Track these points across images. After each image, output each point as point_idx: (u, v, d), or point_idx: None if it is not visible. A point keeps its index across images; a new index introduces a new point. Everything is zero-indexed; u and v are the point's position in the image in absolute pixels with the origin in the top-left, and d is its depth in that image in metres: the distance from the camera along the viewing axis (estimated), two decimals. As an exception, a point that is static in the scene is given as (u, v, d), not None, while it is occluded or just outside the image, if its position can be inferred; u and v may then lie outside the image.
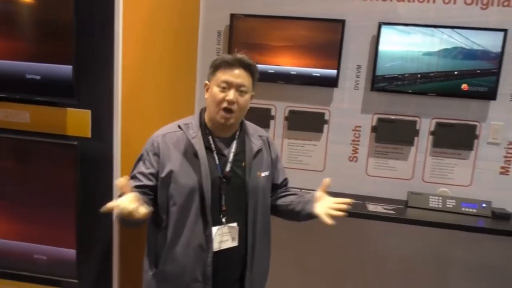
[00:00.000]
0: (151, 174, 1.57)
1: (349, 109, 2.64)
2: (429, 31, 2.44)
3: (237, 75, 1.54)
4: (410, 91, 2.51)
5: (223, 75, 1.54)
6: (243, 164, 1.61)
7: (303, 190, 2.61)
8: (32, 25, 1.65)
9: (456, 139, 2.56)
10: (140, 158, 1.61)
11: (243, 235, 1.60)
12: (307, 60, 2.58)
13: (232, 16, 2.61)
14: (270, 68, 2.61)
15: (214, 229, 1.54)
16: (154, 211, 1.57)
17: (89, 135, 1.75)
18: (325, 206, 1.57)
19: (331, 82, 2.58)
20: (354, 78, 2.61)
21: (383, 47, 2.48)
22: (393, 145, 2.64)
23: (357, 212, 2.42)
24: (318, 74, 2.58)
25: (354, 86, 2.62)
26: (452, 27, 2.42)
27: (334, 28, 2.53)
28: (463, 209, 2.48)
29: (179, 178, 1.53)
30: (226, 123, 1.55)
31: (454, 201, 2.51)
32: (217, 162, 1.57)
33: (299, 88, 2.65)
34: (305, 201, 1.68)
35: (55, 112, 1.75)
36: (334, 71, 2.56)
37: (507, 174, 2.55)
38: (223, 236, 1.56)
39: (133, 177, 1.59)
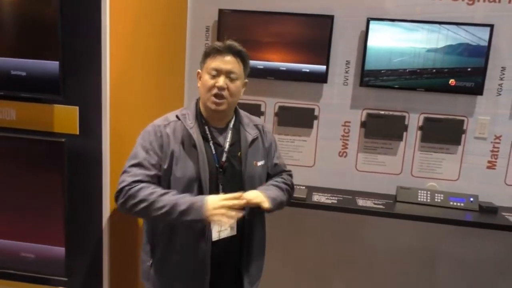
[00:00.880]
0: (156, 163, 1.55)
1: (339, 104, 2.66)
2: (416, 27, 2.45)
3: (227, 62, 1.54)
4: (398, 86, 2.52)
5: (213, 62, 1.54)
6: (239, 154, 1.61)
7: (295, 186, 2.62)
8: (17, 21, 1.62)
9: (444, 134, 2.58)
10: (141, 146, 1.56)
11: (240, 225, 1.61)
12: (296, 56, 2.58)
13: (221, 11, 2.60)
14: (260, 64, 2.60)
15: None
16: None
17: (77, 132, 1.73)
18: None
19: (320, 78, 2.59)
20: (343, 73, 2.62)
21: (371, 42, 2.49)
22: (382, 140, 2.66)
23: (347, 207, 2.44)
24: (308, 70, 2.58)
25: (343, 81, 2.62)
26: (439, 23, 2.44)
27: (323, 24, 2.53)
28: (451, 203, 2.51)
29: (178, 168, 1.53)
30: (218, 109, 1.55)
31: (442, 195, 2.53)
32: (214, 152, 1.58)
33: (289, 84, 2.65)
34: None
35: (42, 109, 1.72)
36: (323, 67, 2.56)
37: (494, 169, 2.58)
38: (221, 225, 1.57)
39: (138, 165, 1.54)
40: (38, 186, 1.73)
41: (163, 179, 1.57)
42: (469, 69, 2.45)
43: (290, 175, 1.84)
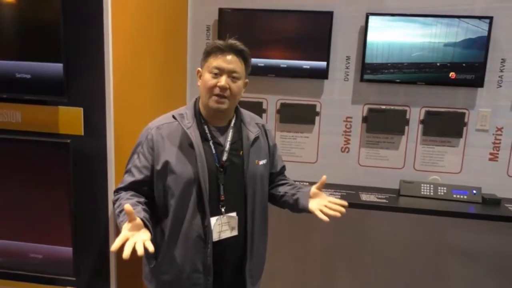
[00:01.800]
0: (145, 167, 1.56)
1: (340, 100, 2.67)
2: (416, 21, 2.46)
3: (229, 61, 1.52)
4: (399, 80, 2.53)
5: (215, 61, 1.52)
6: (241, 152, 1.60)
7: (296, 182, 2.63)
8: (20, 24, 1.64)
9: (445, 127, 2.59)
10: (134, 151, 1.61)
11: (242, 224, 1.60)
12: (296, 52, 2.60)
13: (221, 10, 2.61)
14: (260, 61, 2.62)
15: (213, 220, 1.54)
16: (152, 204, 1.58)
17: (82, 133, 1.75)
18: (321, 204, 1.58)
19: (321, 74, 2.60)
20: (343, 69, 2.63)
21: (371, 37, 2.50)
22: (384, 134, 2.67)
23: (351, 202, 2.44)
24: (308, 67, 2.60)
25: (344, 77, 2.64)
26: (438, 16, 2.44)
27: (322, 20, 2.54)
28: (454, 196, 2.52)
29: (176, 169, 1.52)
30: (219, 108, 1.53)
31: (445, 188, 2.55)
32: (214, 152, 1.56)
33: (290, 81, 2.66)
34: (300, 195, 1.67)
35: (47, 111, 1.75)
36: (324, 63, 2.58)
37: (496, 160, 2.59)
38: (222, 226, 1.56)
39: (128, 171, 1.60)
40: (45, 187, 1.75)
41: (158, 180, 1.56)
42: (469, 62, 2.45)
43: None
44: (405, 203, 2.47)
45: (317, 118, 2.71)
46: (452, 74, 2.48)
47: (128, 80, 1.88)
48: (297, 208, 1.66)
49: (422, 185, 2.57)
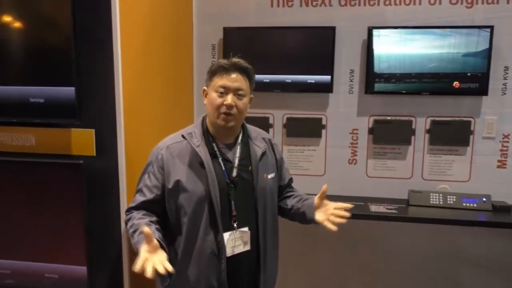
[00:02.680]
0: (155, 186, 1.58)
1: (345, 112, 2.70)
2: (417, 33, 2.50)
3: (234, 79, 1.55)
4: (404, 91, 2.56)
5: (220, 80, 1.55)
6: (250, 168, 1.62)
7: (305, 194, 2.65)
8: (33, 50, 1.71)
9: (452, 136, 2.61)
10: (144, 171, 1.63)
11: (254, 238, 1.62)
12: (301, 67, 2.64)
13: (225, 29, 2.68)
14: (266, 77, 2.66)
15: (226, 235, 1.56)
16: (165, 222, 1.61)
17: (94, 153, 1.79)
18: (327, 213, 1.61)
19: (326, 88, 2.64)
20: (348, 82, 2.66)
21: (374, 50, 2.54)
22: (390, 145, 2.69)
23: (360, 213, 2.46)
24: (313, 81, 2.64)
25: (349, 90, 2.67)
26: (439, 27, 2.48)
27: (325, 35, 2.59)
28: (464, 204, 2.52)
29: (187, 187, 1.54)
30: (227, 126, 1.57)
31: (454, 197, 2.55)
32: (223, 168, 1.58)
33: (295, 96, 2.71)
34: (305, 208, 1.69)
35: (60, 133, 1.80)
36: (328, 77, 2.62)
37: (505, 167, 2.59)
38: (235, 241, 1.58)
39: (139, 191, 1.62)
40: (59, 207, 1.79)
41: (170, 198, 1.58)
42: (472, 71, 2.47)
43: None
44: (414, 213, 2.48)
45: (323, 131, 2.74)
46: (456, 83, 2.50)
47: (137, 101, 1.93)
48: (306, 220, 1.69)
49: (431, 194, 2.57)
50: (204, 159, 1.55)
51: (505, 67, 2.49)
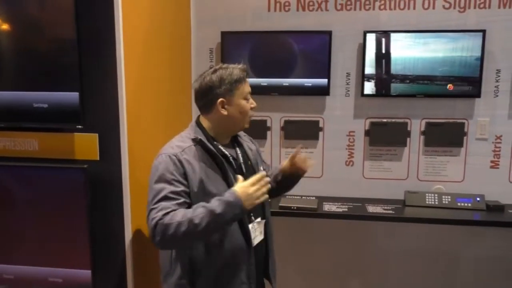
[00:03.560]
0: (184, 191, 1.53)
1: (342, 115, 2.74)
2: (411, 37, 2.56)
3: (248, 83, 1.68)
4: (399, 94, 2.61)
5: (246, 87, 1.65)
6: (249, 162, 1.73)
7: (303, 197, 2.70)
8: (37, 56, 1.72)
9: (446, 137, 2.66)
10: (162, 181, 1.52)
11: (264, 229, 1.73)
12: (298, 71, 2.68)
13: (223, 33, 2.71)
14: (263, 81, 2.70)
15: (249, 227, 1.64)
16: None
17: (97, 158, 1.81)
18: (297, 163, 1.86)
19: (322, 91, 2.68)
20: (344, 85, 2.71)
21: (369, 53, 2.59)
22: (386, 147, 2.74)
23: (358, 214, 2.51)
24: (310, 84, 2.68)
25: (345, 93, 2.72)
26: (432, 31, 2.54)
27: (322, 39, 2.63)
28: (459, 204, 2.57)
29: (211, 189, 1.55)
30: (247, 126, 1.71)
31: (449, 197, 2.60)
32: (235, 166, 1.67)
33: (293, 99, 2.74)
34: (273, 172, 1.92)
35: (63, 138, 1.81)
36: (325, 80, 2.66)
37: (497, 168, 2.65)
38: (255, 232, 1.67)
39: (165, 199, 1.49)
40: (63, 211, 1.80)
41: (196, 201, 1.53)
42: (465, 74, 2.53)
43: None
44: (411, 213, 2.53)
45: (320, 134, 2.78)
46: (449, 86, 2.56)
47: (139, 106, 1.95)
48: (282, 182, 1.88)
49: (427, 194, 2.62)
50: (220, 159, 1.61)
51: (497, 70, 2.56)
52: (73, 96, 1.71)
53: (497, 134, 2.62)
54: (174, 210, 1.46)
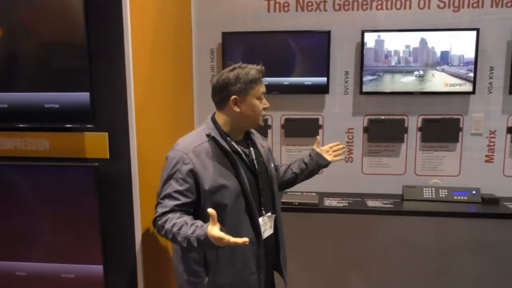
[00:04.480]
0: (187, 190, 1.61)
1: (341, 113, 2.81)
2: (408, 35, 2.63)
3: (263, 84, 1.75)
4: (396, 91, 2.69)
5: (261, 87, 1.72)
6: (261, 159, 1.80)
7: (304, 193, 2.76)
8: (48, 57, 1.78)
9: (442, 133, 2.74)
10: (170, 177, 1.62)
11: (274, 222, 1.80)
12: (298, 70, 2.75)
13: (224, 34, 2.76)
14: (264, 80, 2.73)
15: (259, 221, 1.71)
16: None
17: (107, 156, 1.86)
18: (329, 154, 2.11)
19: (322, 89, 2.75)
20: (343, 83, 2.78)
21: (367, 53, 2.66)
22: (384, 143, 2.81)
23: (358, 208, 2.58)
24: (310, 83, 2.75)
25: (344, 91, 2.79)
26: (428, 30, 2.61)
27: (321, 39, 2.70)
28: (455, 197, 2.65)
29: (224, 184, 1.63)
30: (262, 125, 1.78)
31: (446, 190, 2.68)
32: (247, 162, 1.74)
33: (293, 97, 2.80)
34: (313, 161, 2.07)
35: (73, 137, 1.86)
36: (324, 79, 2.73)
37: (492, 162, 2.73)
38: (265, 226, 1.74)
39: (168, 197, 1.61)
40: (75, 209, 1.85)
41: (207, 198, 1.62)
42: (459, 71, 2.61)
43: None
44: (409, 206, 2.60)
45: (320, 131, 2.85)
46: (445, 83, 2.64)
47: (147, 105, 2.00)
48: (317, 170, 2.08)
49: (424, 189, 2.70)
50: (232, 155, 1.67)
51: (490, 67, 2.64)
52: (83, 96, 1.76)
53: (491, 129, 2.71)
54: (173, 211, 1.59)
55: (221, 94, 1.69)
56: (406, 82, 2.67)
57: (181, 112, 2.65)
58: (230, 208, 1.64)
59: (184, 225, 1.52)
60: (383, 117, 2.78)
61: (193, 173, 1.61)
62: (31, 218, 1.88)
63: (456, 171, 2.77)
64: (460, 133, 2.73)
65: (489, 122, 2.70)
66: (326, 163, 2.06)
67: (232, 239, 1.39)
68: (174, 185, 1.61)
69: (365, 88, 2.70)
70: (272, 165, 1.88)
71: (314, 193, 2.77)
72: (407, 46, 2.65)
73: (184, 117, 2.72)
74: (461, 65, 2.62)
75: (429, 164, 2.79)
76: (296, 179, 2.05)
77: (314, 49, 2.72)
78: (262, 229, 1.71)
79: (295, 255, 2.84)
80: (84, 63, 1.74)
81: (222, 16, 2.79)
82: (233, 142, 1.73)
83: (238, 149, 1.72)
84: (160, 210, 1.61)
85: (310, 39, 2.72)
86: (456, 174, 2.78)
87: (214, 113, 1.77)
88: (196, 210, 1.65)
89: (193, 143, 1.66)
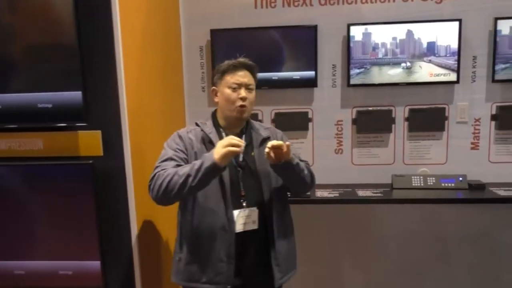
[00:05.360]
0: (185, 159, 1.76)
1: (330, 105, 2.86)
2: (392, 28, 2.69)
3: (244, 76, 1.77)
4: (382, 83, 2.75)
5: (232, 78, 1.76)
6: (252, 153, 1.82)
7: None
8: (40, 58, 1.80)
9: (428, 122, 2.80)
10: (170, 147, 1.78)
11: (262, 219, 1.78)
12: (286, 65, 2.79)
13: (212, 31, 2.80)
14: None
15: (236, 212, 1.74)
16: (182, 198, 1.76)
17: (101, 154, 1.89)
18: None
19: (310, 83, 2.80)
20: (331, 77, 2.83)
21: (355, 45, 2.71)
22: (373, 134, 2.87)
23: (349, 198, 2.63)
24: (298, 77, 2.79)
25: (332, 84, 2.84)
26: (412, 22, 2.68)
27: (308, 33, 2.75)
28: (443, 184, 2.72)
29: None
30: (242, 117, 1.78)
31: (434, 178, 2.74)
32: None
33: (282, 91, 2.85)
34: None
35: (67, 136, 1.89)
36: (312, 73, 2.78)
37: (478, 149, 2.81)
38: (246, 219, 1.75)
39: (168, 159, 1.74)
40: (71, 207, 1.88)
41: None
42: (447, 61, 2.68)
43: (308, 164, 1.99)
44: (398, 195, 2.66)
45: (310, 124, 2.90)
46: (430, 73, 2.70)
47: (139, 102, 2.04)
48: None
49: (413, 177, 2.76)
50: (215, 142, 1.73)
51: (473, 56, 2.71)
52: (76, 95, 1.79)
53: (476, 117, 2.78)
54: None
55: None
56: (393, 74, 2.73)
57: (172, 109, 2.69)
58: (204, 192, 1.71)
59: (184, 167, 1.66)
60: (371, 108, 2.84)
61: (185, 148, 1.77)
62: (28, 217, 1.91)
63: (443, 159, 2.84)
64: (446, 122, 2.80)
65: (473, 110, 2.77)
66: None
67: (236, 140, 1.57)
68: (173, 152, 1.75)
69: (353, 81, 2.76)
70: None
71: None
72: (394, 38, 2.72)
73: (175, 114, 2.75)
74: (448, 55, 2.68)
75: (417, 153, 2.86)
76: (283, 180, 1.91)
77: (301, 44, 2.77)
78: (241, 221, 1.74)
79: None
80: (75, 62, 1.77)
81: (209, 13, 2.82)
82: (224, 134, 1.79)
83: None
84: (159, 169, 1.71)
85: (297, 34, 2.77)
86: (443, 162, 2.85)
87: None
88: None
89: (188, 128, 1.85)
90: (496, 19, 2.62)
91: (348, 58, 2.74)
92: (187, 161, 1.75)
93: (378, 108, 2.83)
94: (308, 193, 2.65)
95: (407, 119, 2.83)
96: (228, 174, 1.73)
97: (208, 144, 1.77)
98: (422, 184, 2.73)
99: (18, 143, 1.92)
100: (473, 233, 2.79)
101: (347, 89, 2.82)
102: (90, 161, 1.84)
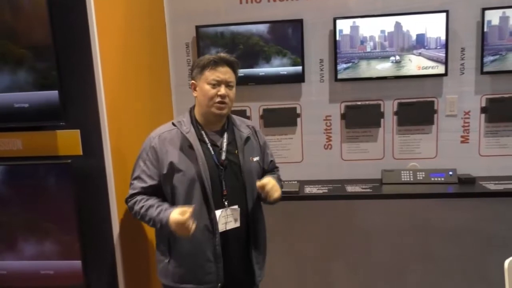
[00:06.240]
0: (154, 173, 1.75)
1: (318, 100, 2.84)
2: (379, 20, 2.66)
3: (224, 72, 1.73)
4: (370, 77, 2.72)
5: (212, 74, 1.71)
6: (236, 151, 1.79)
7: (285, 182, 2.78)
8: (15, 57, 1.77)
9: (418, 116, 2.78)
10: (139, 158, 1.79)
11: (243, 216, 1.79)
12: (273, 60, 2.77)
13: (198, 28, 2.78)
14: (240, 71, 2.67)
15: (218, 212, 1.72)
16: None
17: (81, 153, 1.88)
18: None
19: (298, 78, 2.77)
20: (318, 71, 2.81)
21: (343, 39, 2.68)
22: (362, 129, 2.85)
23: (338, 194, 2.61)
24: (285, 72, 2.77)
25: (320, 79, 2.81)
26: (398, 14, 2.64)
27: (294, 28, 2.72)
28: (432, 179, 2.70)
29: (180, 168, 1.70)
30: (221, 114, 1.74)
31: (423, 173, 2.72)
32: (212, 152, 1.75)
33: (270, 87, 2.83)
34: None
35: (46, 136, 1.87)
36: (300, 68, 2.75)
37: (468, 142, 2.78)
38: (227, 218, 1.74)
39: (137, 178, 1.77)
40: (51, 206, 1.87)
41: (166, 182, 1.74)
42: (438, 54, 2.64)
43: (278, 170, 2.05)
44: (388, 190, 2.65)
45: (298, 120, 2.88)
46: (418, 66, 2.67)
47: (119, 100, 2.02)
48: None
49: (402, 172, 2.74)
50: (193, 143, 1.71)
51: (461, 48, 2.68)
52: (52, 94, 1.77)
53: (465, 110, 2.75)
54: (140, 193, 1.76)
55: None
56: (381, 69, 2.70)
57: (159, 106, 2.67)
58: (185, 194, 1.70)
59: (150, 207, 1.71)
60: (359, 103, 2.81)
61: (157, 156, 1.74)
62: (8, 217, 1.89)
63: (433, 153, 2.82)
64: (435, 115, 2.77)
65: (463, 103, 2.74)
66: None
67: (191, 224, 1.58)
68: (142, 167, 1.76)
69: (341, 75, 2.73)
70: (256, 158, 1.84)
71: (295, 181, 2.80)
72: (382, 31, 2.69)
73: (162, 112, 2.73)
74: (438, 47, 2.65)
75: (407, 148, 2.83)
76: None
77: (288, 38, 2.74)
78: (223, 221, 1.73)
79: (277, 242, 2.87)
80: (51, 61, 1.75)
81: (194, 10, 2.81)
82: (203, 132, 1.77)
83: (206, 138, 1.76)
84: (130, 191, 1.79)
85: (283, 28, 2.75)
86: (433, 156, 2.82)
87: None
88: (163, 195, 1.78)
89: (161, 130, 1.79)
90: (484, 9, 2.58)
91: (335, 53, 2.71)
92: (156, 176, 1.75)
93: (367, 102, 2.80)
94: (297, 190, 2.65)
95: (396, 113, 2.81)
96: (209, 174, 1.71)
97: (189, 150, 1.72)
98: (411, 179, 2.71)
99: (-4, 143, 1.91)
100: (463, 227, 2.76)
101: (335, 84, 2.79)
102: (69, 160, 1.82)
